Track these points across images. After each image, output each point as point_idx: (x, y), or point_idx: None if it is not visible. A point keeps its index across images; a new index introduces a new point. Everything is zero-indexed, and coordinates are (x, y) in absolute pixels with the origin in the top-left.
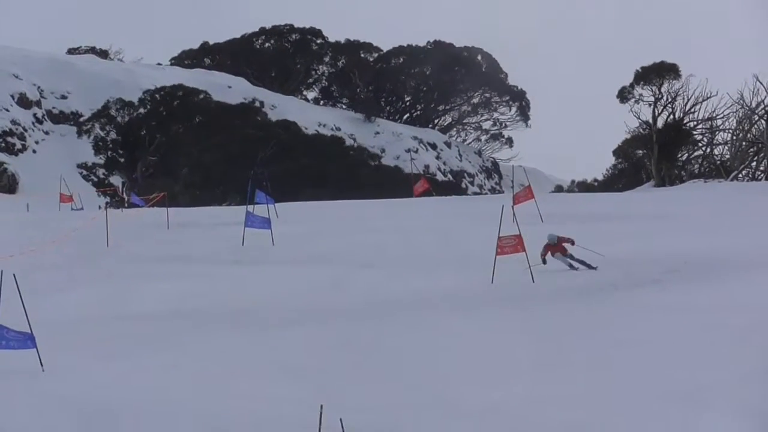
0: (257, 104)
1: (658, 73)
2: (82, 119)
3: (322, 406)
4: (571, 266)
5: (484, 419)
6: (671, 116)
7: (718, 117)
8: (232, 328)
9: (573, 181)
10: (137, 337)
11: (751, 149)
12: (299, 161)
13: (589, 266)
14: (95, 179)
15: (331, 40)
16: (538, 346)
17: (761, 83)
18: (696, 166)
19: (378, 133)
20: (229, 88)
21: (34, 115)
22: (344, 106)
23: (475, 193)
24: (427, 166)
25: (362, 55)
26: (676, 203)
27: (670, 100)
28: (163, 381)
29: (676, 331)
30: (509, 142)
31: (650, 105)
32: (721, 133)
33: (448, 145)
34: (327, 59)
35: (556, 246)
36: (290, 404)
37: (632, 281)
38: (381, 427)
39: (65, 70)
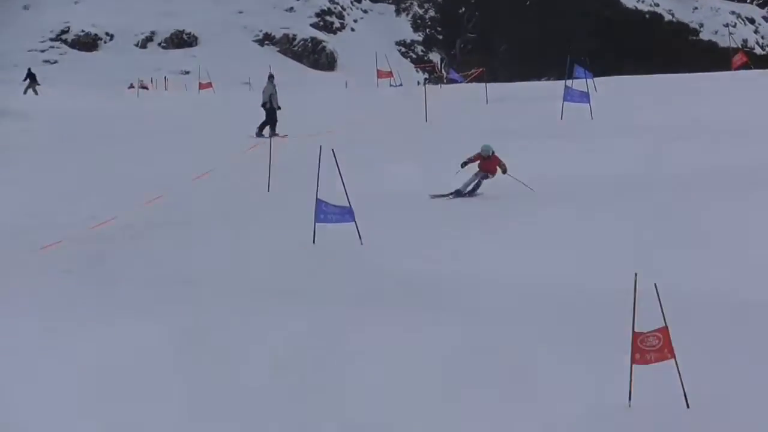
0: None
1: None
2: None
3: None
4: (467, 188)
5: None
6: None
7: None
8: (553, 204)
9: None
10: (444, 211)
11: None
12: (618, 37)
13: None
14: (413, 56)
15: None
16: None
17: None
18: None
19: (696, 8)
20: None
21: None
22: None
23: None
24: (745, 41)
25: None
26: None
27: None
28: (489, 253)
29: None
30: None
31: None
32: None
33: (766, 19)
34: None
35: (488, 160)
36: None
37: None
38: None
39: None
